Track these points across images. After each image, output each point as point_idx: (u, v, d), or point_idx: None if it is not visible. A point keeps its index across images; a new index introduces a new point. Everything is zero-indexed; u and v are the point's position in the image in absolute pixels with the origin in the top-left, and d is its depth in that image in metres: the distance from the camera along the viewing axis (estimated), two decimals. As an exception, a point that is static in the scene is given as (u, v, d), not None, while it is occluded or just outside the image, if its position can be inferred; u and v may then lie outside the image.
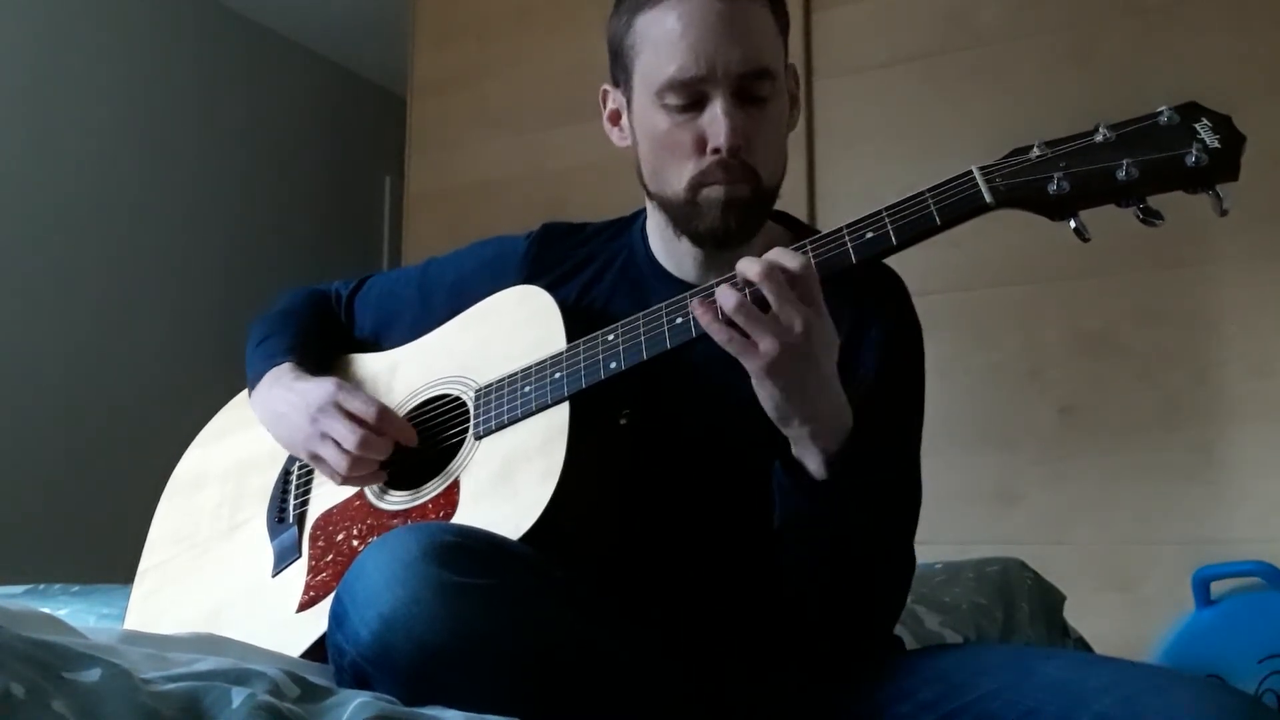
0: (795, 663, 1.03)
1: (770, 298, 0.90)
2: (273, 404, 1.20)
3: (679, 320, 0.99)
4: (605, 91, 1.16)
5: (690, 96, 1.03)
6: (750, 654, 1.04)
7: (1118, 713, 0.82)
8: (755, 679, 1.03)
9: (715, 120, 1.03)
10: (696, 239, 1.09)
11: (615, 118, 1.15)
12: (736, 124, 1.02)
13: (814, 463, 0.95)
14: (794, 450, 0.96)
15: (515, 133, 2.89)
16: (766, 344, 0.89)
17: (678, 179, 1.06)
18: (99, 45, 2.94)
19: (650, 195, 1.12)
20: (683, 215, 1.08)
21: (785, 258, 0.92)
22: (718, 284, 0.95)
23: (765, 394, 0.93)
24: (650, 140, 1.08)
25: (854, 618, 1.02)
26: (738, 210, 1.05)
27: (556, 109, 2.78)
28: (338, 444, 1.11)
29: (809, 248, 0.96)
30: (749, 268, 0.91)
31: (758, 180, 1.06)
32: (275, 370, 1.22)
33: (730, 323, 0.91)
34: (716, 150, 1.03)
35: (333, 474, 1.13)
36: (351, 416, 1.12)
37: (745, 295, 0.91)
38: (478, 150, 2.95)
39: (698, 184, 1.05)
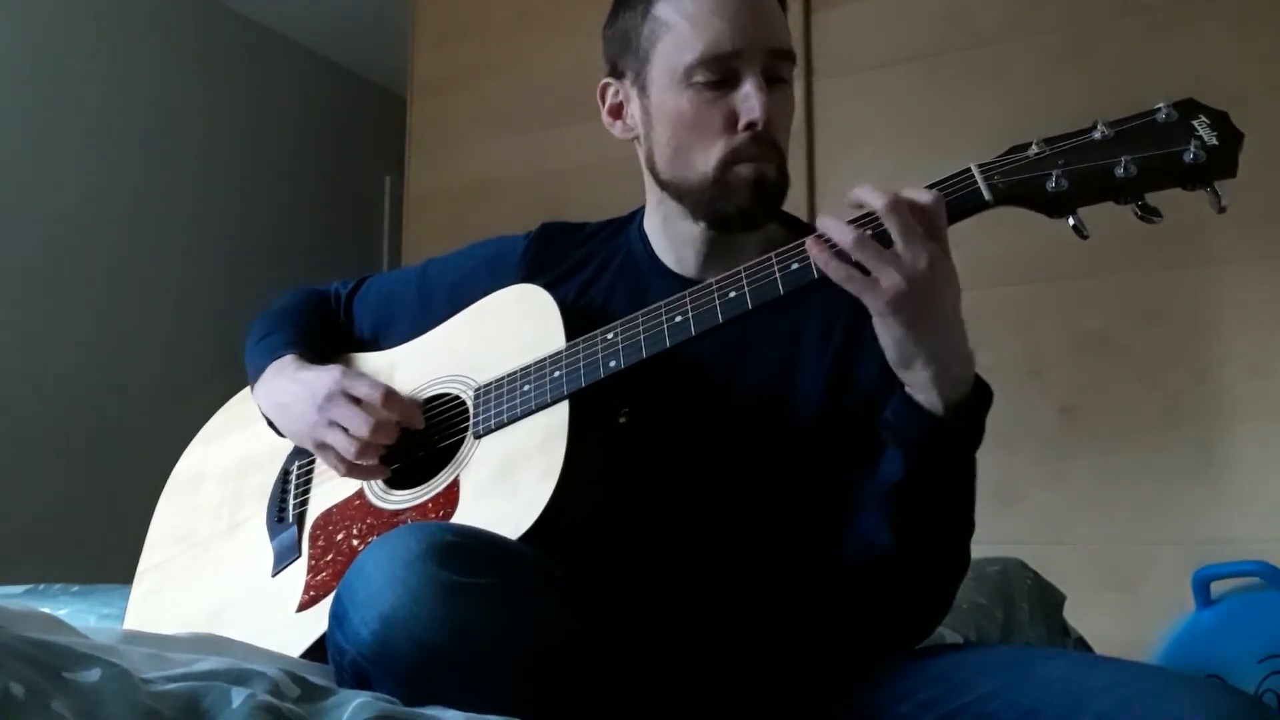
0: (797, 661, 1.03)
1: (895, 231, 0.88)
2: (276, 395, 1.20)
3: (678, 318, 0.99)
4: (605, 86, 1.16)
5: (721, 73, 1.04)
6: (752, 653, 1.04)
7: (1118, 713, 0.82)
8: (756, 678, 1.02)
9: (749, 96, 1.03)
10: (719, 222, 1.09)
11: (617, 111, 1.15)
12: (768, 100, 1.03)
13: (934, 404, 0.92)
14: (914, 395, 0.93)
15: (515, 133, 2.89)
16: (890, 279, 0.87)
17: (704, 160, 1.06)
18: (99, 45, 2.94)
19: (663, 184, 1.12)
20: (708, 197, 1.07)
21: (914, 192, 0.90)
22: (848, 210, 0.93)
23: (887, 334, 0.91)
24: (674, 123, 1.07)
25: (919, 598, 1.02)
26: (766, 191, 1.06)
27: (556, 109, 2.78)
28: (345, 430, 1.12)
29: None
30: (872, 198, 0.89)
31: (783, 160, 1.07)
32: (278, 363, 1.22)
33: (849, 259, 0.89)
34: (750, 125, 1.03)
35: (338, 462, 1.13)
36: (358, 402, 1.12)
37: (866, 230, 0.89)
38: (478, 150, 2.95)
39: (729, 162, 1.05)
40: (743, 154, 1.05)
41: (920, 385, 0.93)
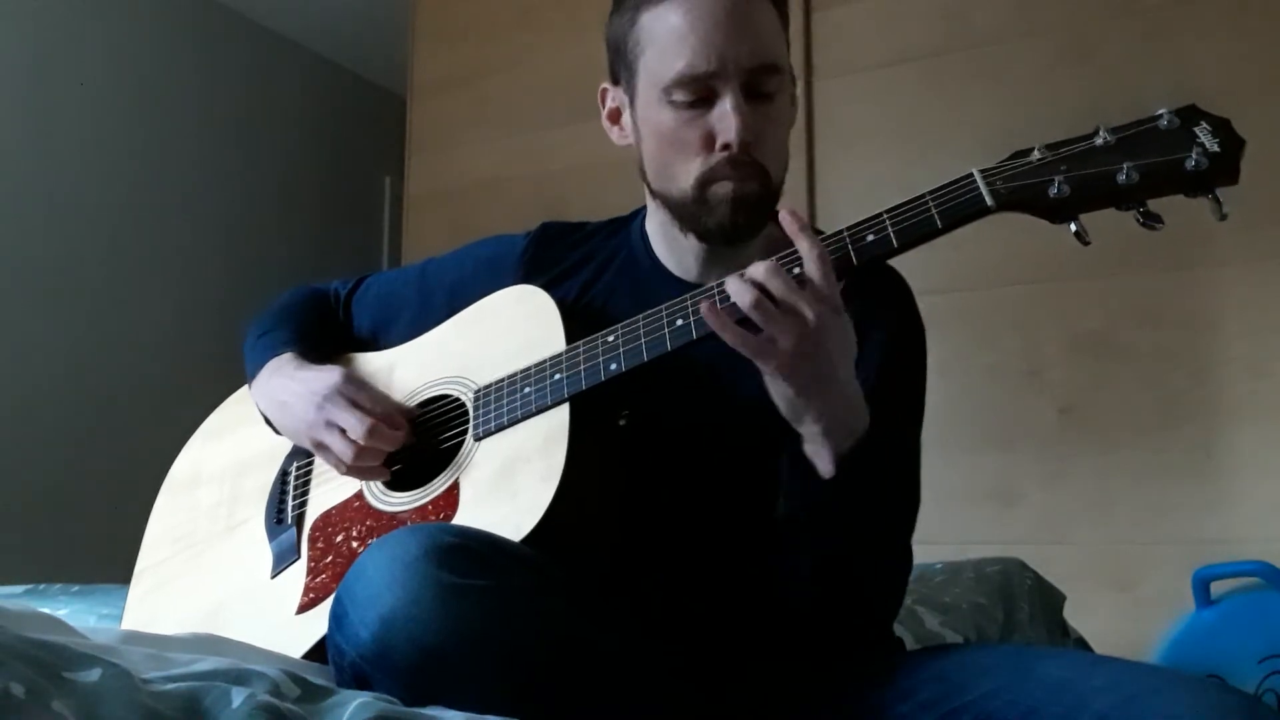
0: (796, 662, 1.03)
1: (780, 295, 0.89)
2: (275, 393, 1.20)
3: (679, 322, 0.99)
4: (605, 90, 1.16)
5: (698, 92, 1.03)
6: (751, 654, 1.04)
7: (1118, 713, 0.82)
8: (756, 678, 1.03)
9: (725, 116, 1.02)
10: (704, 236, 1.09)
11: (615, 116, 1.15)
12: (746, 120, 1.02)
13: (824, 461, 0.94)
14: (805, 447, 0.95)
15: (515, 133, 2.89)
16: (781, 341, 0.89)
17: (685, 177, 1.06)
18: (99, 45, 2.94)
19: (654, 193, 1.12)
20: (690, 213, 1.07)
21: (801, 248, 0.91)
22: (718, 286, 0.95)
23: (777, 392, 0.92)
24: (656, 138, 1.07)
25: (848, 614, 1.02)
26: (747, 207, 1.05)
27: (556, 109, 2.78)
28: (344, 433, 1.12)
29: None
30: (757, 269, 0.91)
31: (766, 177, 1.06)
32: (276, 360, 1.22)
33: (741, 322, 0.90)
34: (726, 146, 1.03)
35: (338, 463, 1.13)
36: (358, 406, 1.12)
37: (759, 293, 0.89)
38: (478, 150, 2.95)
39: (706, 181, 1.05)
40: (719, 174, 1.04)
41: (811, 438, 0.94)
